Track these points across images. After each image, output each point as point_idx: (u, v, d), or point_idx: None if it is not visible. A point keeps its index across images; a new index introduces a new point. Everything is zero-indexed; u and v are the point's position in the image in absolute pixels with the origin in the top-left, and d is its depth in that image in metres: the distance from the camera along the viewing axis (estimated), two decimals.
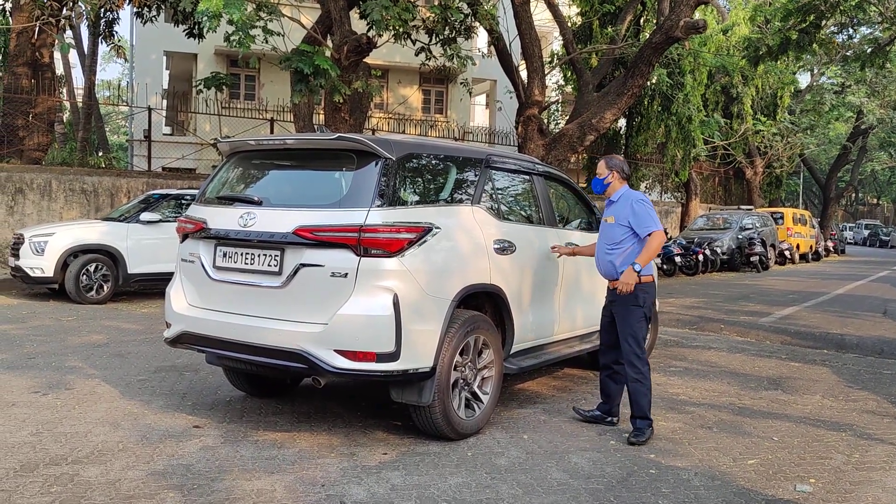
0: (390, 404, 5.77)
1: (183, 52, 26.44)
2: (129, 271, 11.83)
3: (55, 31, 17.61)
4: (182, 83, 30.50)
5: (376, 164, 4.66)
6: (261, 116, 20.32)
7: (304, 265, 4.55)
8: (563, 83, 29.26)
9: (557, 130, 24.11)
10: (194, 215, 5.18)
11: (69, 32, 22.60)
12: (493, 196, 5.56)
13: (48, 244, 11.42)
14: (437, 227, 4.74)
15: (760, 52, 18.63)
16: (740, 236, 23.32)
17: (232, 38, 12.77)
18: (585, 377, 7.11)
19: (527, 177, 6.10)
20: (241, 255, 4.84)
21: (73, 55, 32.67)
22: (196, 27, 17.97)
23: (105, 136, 31.31)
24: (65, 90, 26.42)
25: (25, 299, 11.74)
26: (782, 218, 28.12)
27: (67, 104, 29.76)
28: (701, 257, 20.52)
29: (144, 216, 12.04)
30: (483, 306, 5.32)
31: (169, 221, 12.44)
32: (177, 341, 5.17)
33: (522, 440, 5.10)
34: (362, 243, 4.43)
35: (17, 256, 11.55)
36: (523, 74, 18.57)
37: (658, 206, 29.17)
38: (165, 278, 12.52)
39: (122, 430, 5.04)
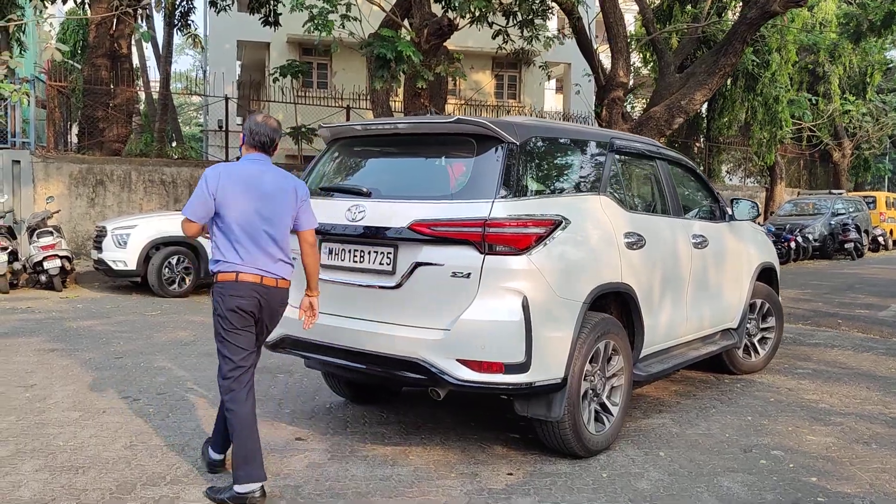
0: (504, 413, 5.28)
1: (256, 41, 26.37)
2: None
3: (133, 21, 17.60)
4: (254, 73, 30.51)
5: (499, 149, 4.14)
6: (336, 104, 19.98)
7: (420, 264, 4.06)
8: (640, 65, 28.31)
9: (634, 114, 23.29)
10: None
11: (144, 24, 22.64)
12: (619, 183, 4.98)
13: (130, 237, 11.27)
14: (567, 220, 4.20)
15: (863, 28, 17.43)
16: (832, 222, 22.09)
17: (315, 20, 12.45)
18: (706, 380, 6.49)
19: (651, 161, 5.51)
20: (349, 252, 4.38)
21: (145, 47, 33.00)
22: (272, 14, 17.76)
23: (179, 127, 31.55)
24: (140, 81, 26.63)
25: (108, 292, 11.62)
26: (874, 202, 26.66)
27: (142, 95, 30.08)
28: (793, 244, 19.46)
29: None
30: (609, 307, 4.77)
31: None
32: (277, 346, 4.75)
33: (659, 458, 4.54)
34: (487, 239, 3.92)
35: (99, 249, 11.42)
36: (601, 58, 17.82)
37: (741, 191, 28.01)
38: None
39: None
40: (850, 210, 22.99)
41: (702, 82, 16.04)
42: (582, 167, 4.70)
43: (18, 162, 14.48)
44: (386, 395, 5.60)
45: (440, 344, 3.96)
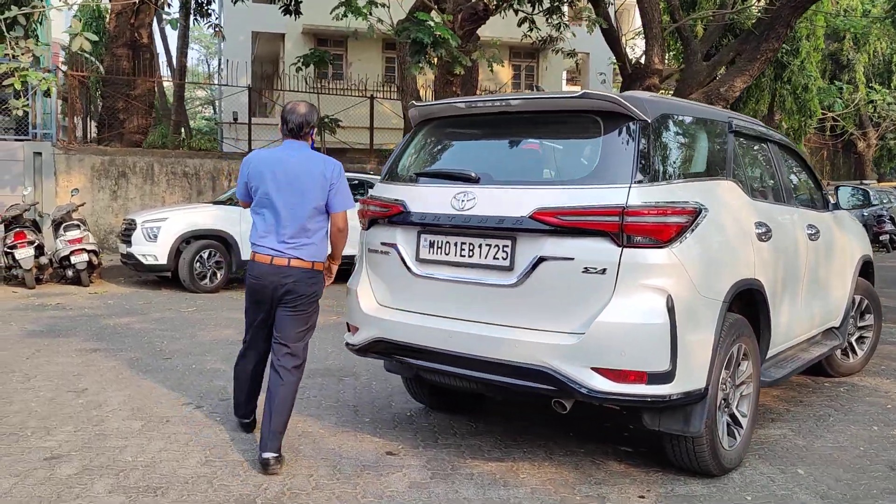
0: (602, 422, 4.80)
1: (271, 32, 25.86)
2: (242, 257, 11.10)
3: (154, 9, 17.11)
4: (267, 65, 30.00)
5: (631, 128, 3.64)
6: (358, 94, 19.45)
7: (545, 258, 3.57)
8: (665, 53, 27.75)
9: None
10: (386, 196, 4.25)
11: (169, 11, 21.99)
12: (740, 168, 4.48)
13: (161, 230, 10.79)
14: (706, 208, 3.70)
15: None
16: (865, 213, 21.55)
17: (350, 5, 11.95)
18: (805, 384, 5.99)
19: (764, 144, 5.00)
20: (455, 245, 3.89)
21: (157, 39, 32.44)
22: (294, 2, 17.22)
23: (188, 120, 30.96)
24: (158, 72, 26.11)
25: (136, 287, 11.15)
26: None
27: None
28: None
29: None
30: (733, 306, 4.27)
31: None
32: (367, 349, 4.27)
33: (800, 476, 4.05)
34: (626, 230, 3.42)
35: (128, 243, 10.94)
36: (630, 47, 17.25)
37: None
38: None
39: (305, 458, 4.17)
40: (884, 201, 22.44)
41: (742, 69, 15.52)
42: (709, 148, 4.20)
43: (40, 154, 14.00)
44: (471, 401, 5.11)
45: (572, 350, 3.47)
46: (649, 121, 3.67)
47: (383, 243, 4.20)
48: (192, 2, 17.59)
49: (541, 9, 17.41)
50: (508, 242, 3.69)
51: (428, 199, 4.00)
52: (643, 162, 3.56)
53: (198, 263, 10.80)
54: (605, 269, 3.45)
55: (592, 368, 3.45)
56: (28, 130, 14.38)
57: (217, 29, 17.35)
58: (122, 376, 5.83)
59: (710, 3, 22.82)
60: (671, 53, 25.32)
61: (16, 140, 14.05)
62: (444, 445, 4.43)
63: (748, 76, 15.61)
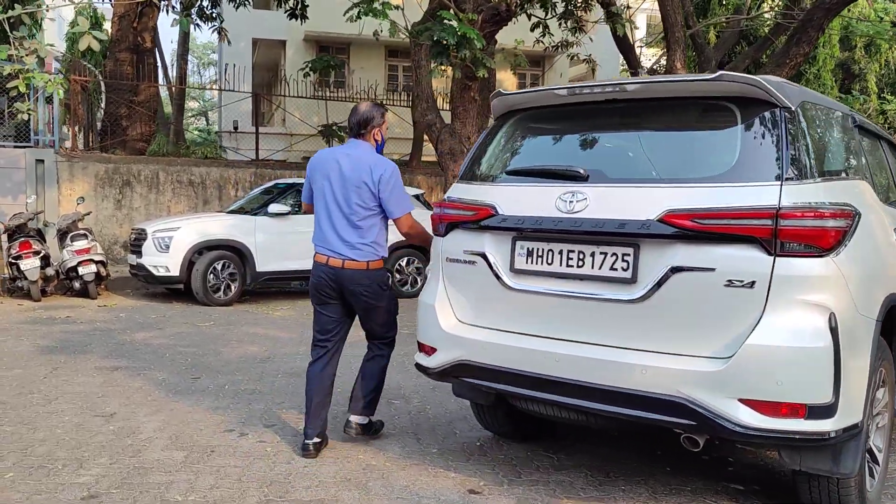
0: (700, 451, 4.28)
1: (271, 39, 25.41)
2: (257, 269, 10.57)
3: (156, 13, 16.61)
4: (267, 72, 29.50)
5: (775, 116, 3.13)
6: (364, 100, 18.94)
7: (678, 269, 3.04)
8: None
9: None
10: (470, 198, 3.72)
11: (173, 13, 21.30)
12: (868, 168, 3.98)
13: (173, 240, 10.23)
14: (859, 212, 3.19)
15: None
16: None
17: (370, 6, 11.45)
18: None
19: (881, 143, 4.51)
20: (561, 253, 3.37)
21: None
22: (300, 6, 16.70)
23: (183, 130, 30.32)
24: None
25: (146, 300, 10.58)
26: None
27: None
28: None
29: (273, 208, 10.75)
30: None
31: (298, 213, 11.19)
32: (447, 373, 3.74)
33: None
34: (780, 235, 2.91)
35: (139, 254, 10.37)
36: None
37: None
38: (295, 277, 11.55)
39: (379, 498, 3.63)
40: None
41: (770, 73, 15.11)
42: (844, 144, 3.70)
43: (42, 161, 13.41)
44: (545, 429, 4.58)
45: (714, 377, 2.95)
46: (793, 108, 3.16)
47: (468, 252, 3.67)
48: (194, 5, 17.08)
49: (554, 13, 17.01)
50: (630, 250, 3.17)
51: (526, 200, 3.48)
52: (792, 156, 3.05)
53: (211, 275, 10.23)
54: (753, 282, 2.93)
55: (740, 400, 2.92)
56: (30, 137, 13.80)
57: (223, 32, 16.81)
58: (152, 398, 5.27)
59: (722, 10, 22.51)
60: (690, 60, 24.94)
61: (16, 147, 13.47)
62: (531, 482, 3.89)
63: None
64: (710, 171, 3.16)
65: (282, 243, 10.75)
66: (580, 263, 3.31)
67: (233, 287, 10.45)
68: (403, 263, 11.61)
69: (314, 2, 16.09)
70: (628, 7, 19.18)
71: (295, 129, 21.39)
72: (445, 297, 3.82)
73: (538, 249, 3.43)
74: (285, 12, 16.67)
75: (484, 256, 3.59)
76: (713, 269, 2.98)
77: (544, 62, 28.10)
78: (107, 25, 21.28)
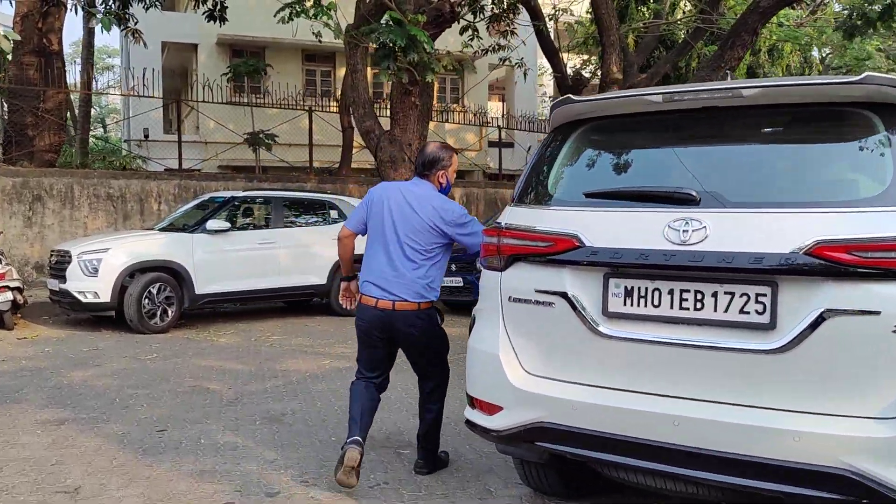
0: None
1: (182, 42, 24.11)
2: (196, 291, 9.68)
3: (64, 12, 15.33)
4: (176, 78, 28.06)
5: None
6: (293, 107, 18.03)
7: (832, 312, 2.53)
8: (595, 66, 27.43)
9: None
10: (544, 226, 3.11)
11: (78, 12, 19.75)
12: None
13: (102, 262, 9.24)
14: None
15: (857, 23, 16.77)
16: None
17: (311, 7, 10.69)
18: None
19: None
20: (671, 293, 2.80)
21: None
22: (219, 7, 15.69)
23: (87, 138, 28.52)
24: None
25: (70, 329, 9.54)
26: None
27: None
28: None
29: (212, 224, 9.89)
30: None
31: (242, 229, 10.36)
32: (518, 438, 3.13)
33: None
34: None
35: (62, 278, 9.33)
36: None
37: None
38: (238, 298, 10.65)
39: None
40: None
41: (704, 78, 15.06)
42: None
43: None
44: (596, 485, 4.01)
45: (887, 444, 2.44)
46: None
47: (541, 291, 3.07)
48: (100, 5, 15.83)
49: (483, 17, 16.61)
50: (766, 290, 2.63)
51: (620, 229, 2.91)
52: None
53: (146, 300, 9.28)
54: None
55: None
56: None
57: (136, 34, 15.63)
58: (118, 462, 4.45)
59: (639, 14, 22.63)
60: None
61: None
62: None
63: None
64: (861, 192, 2.66)
65: (223, 263, 9.92)
66: (697, 306, 2.76)
67: (170, 312, 9.53)
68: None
69: (228, 4, 15.12)
70: (555, 15, 18.98)
71: (210, 137, 20.31)
72: (509, 344, 3.21)
73: (640, 289, 2.86)
74: (203, 14, 15.66)
75: (566, 297, 3.00)
76: (878, 313, 2.47)
77: (463, 68, 27.72)
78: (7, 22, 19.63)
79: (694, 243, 2.73)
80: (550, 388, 3.04)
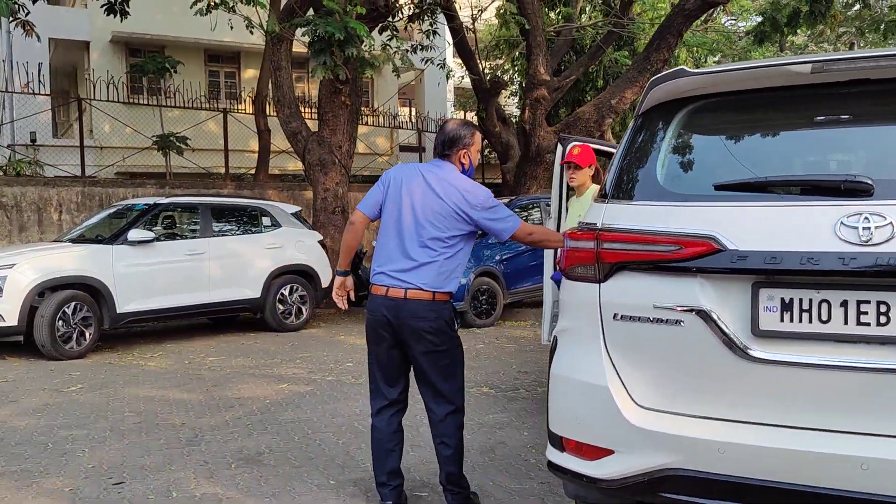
0: None
1: (72, 39, 22.41)
2: (117, 310, 8.66)
3: None
4: (64, 78, 26.19)
5: None
6: (207, 107, 16.90)
7: None
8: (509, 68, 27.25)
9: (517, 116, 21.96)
10: (666, 227, 2.52)
11: None
12: None
13: (7, 280, 8.10)
14: None
15: (765, 28, 17.08)
16: None
17: None
18: None
19: None
20: (845, 305, 2.26)
21: None
22: (119, 1, 14.48)
23: None
24: None
25: None
26: None
27: None
28: None
29: (134, 235, 8.87)
30: None
31: (168, 240, 9.38)
32: (639, 489, 2.52)
33: None
34: None
35: None
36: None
37: None
38: (164, 316, 9.60)
39: None
40: None
41: (632, 80, 15.04)
42: None
43: None
44: None
45: None
46: None
47: (665, 307, 2.48)
48: None
49: (402, 16, 16.07)
50: None
51: (775, 227, 2.35)
52: None
53: (60, 322, 8.21)
54: None
55: None
56: None
57: (27, 27, 14.22)
58: None
59: (548, 20, 22.53)
60: (516, 68, 24.74)
61: None
62: None
63: (638, 87, 15.12)
64: None
65: (147, 277, 8.94)
66: (882, 320, 2.23)
67: (87, 334, 8.47)
68: (286, 292, 10.22)
69: None
70: (474, 17, 18.65)
71: (106, 142, 18.86)
72: (614, 372, 2.61)
73: (803, 301, 2.31)
74: (102, 6, 14.41)
75: (700, 313, 2.42)
76: None
77: (397, 68, 27.00)
78: None
79: (878, 243, 2.20)
80: (682, 425, 2.45)
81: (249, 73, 22.69)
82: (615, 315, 2.60)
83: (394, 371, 3.61)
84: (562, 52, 19.61)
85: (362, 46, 10.28)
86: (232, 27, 12.63)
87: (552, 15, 22.43)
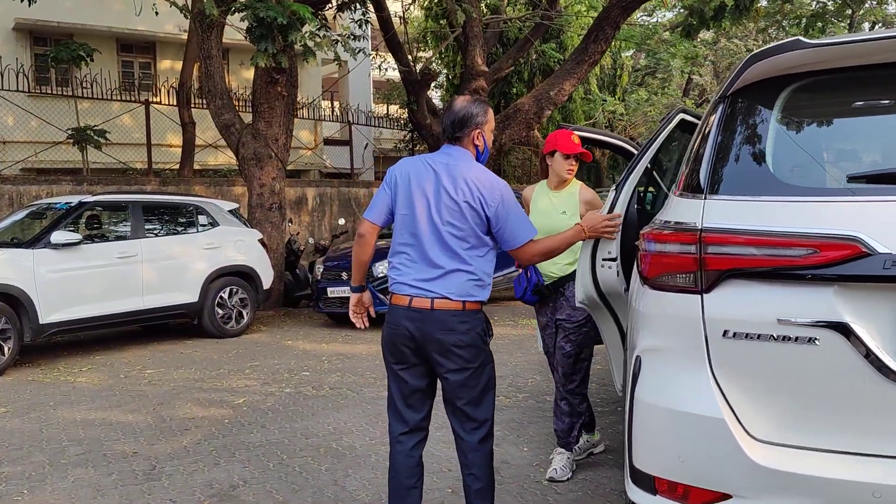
0: None
1: None
2: (41, 321, 7.84)
3: None
4: None
5: None
6: (125, 99, 15.84)
7: None
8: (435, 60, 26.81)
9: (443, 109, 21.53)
10: (791, 227, 2.10)
11: None
12: None
13: None
14: None
15: (693, 23, 17.15)
16: None
17: None
18: None
19: None
20: None
21: None
22: None
23: None
24: None
25: None
26: None
27: None
28: None
29: (58, 237, 8.05)
30: None
31: (95, 241, 8.58)
32: None
33: None
34: None
35: None
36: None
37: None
38: (93, 325, 8.73)
39: None
40: None
41: (570, 71, 14.84)
42: None
43: None
44: None
45: None
46: None
47: (791, 322, 2.07)
48: None
49: (331, 5, 15.44)
50: None
51: None
52: None
53: None
54: None
55: None
56: None
57: None
58: None
59: (477, 11, 22.22)
60: (446, 59, 24.30)
61: None
62: None
63: (577, 79, 14.99)
64: None
65: (74, 283, 8.14)
66: None
67: (6, 349, 7.63)
68: (226, 295, 9.57)
69: None
70: (404, 9, 18.17)
71: (9, 136, 17.52)
72: (724, 401, 2.18)
73: None
74: None
75: (841, 329, 2.01)
76: None
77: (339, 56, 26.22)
78: None
79: None
80: (821, 464, 2.05)
81: (166, 64, 21.59)
82: (725, 332, 2.17)
83: (416, 393, 3.12)
84: (491, 43, 19.30)
85: (304, 32, 9.66)
86: (157, 13, 11.75)
87: (482, 7, 22.14)
